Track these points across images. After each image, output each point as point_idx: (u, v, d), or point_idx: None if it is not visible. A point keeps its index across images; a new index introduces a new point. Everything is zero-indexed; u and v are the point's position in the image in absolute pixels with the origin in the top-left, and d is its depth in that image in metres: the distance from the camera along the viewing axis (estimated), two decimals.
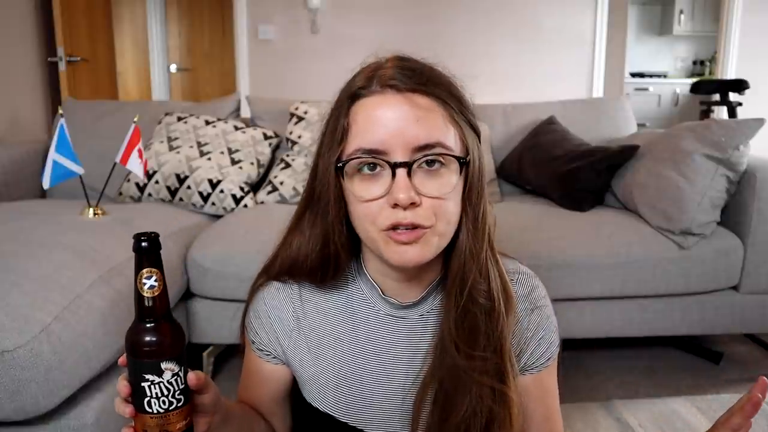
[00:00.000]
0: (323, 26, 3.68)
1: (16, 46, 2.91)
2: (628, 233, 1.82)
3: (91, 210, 1.68)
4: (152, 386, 0.60)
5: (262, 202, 2.14)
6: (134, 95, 4.46)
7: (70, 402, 1.12)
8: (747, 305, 1.85)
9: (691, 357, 2.04)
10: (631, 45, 5.62)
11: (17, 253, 1.24)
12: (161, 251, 0.61)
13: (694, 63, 6.33)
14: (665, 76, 6.18)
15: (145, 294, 0.60)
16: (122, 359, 0.61)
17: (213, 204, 2.09)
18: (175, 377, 0.61)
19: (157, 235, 0.60)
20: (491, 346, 0.69)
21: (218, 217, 2.07)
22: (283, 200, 2.14)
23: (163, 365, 0.60)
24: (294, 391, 0.82)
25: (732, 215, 1.85)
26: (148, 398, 0.60)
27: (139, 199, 2.13)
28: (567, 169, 2.07)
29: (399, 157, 0.62)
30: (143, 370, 0.60)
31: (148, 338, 0.60)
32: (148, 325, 0.61)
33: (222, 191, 2.09)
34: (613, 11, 3.90)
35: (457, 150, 0.65)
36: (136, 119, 1.79)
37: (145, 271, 0.60)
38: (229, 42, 4.14)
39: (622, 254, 1.77)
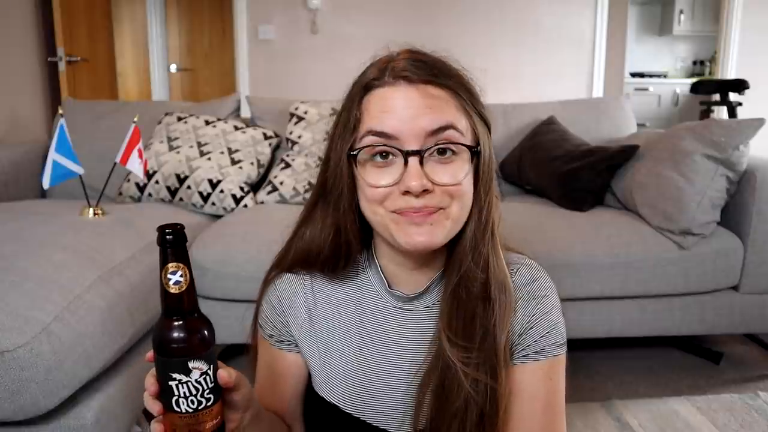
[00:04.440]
0: (323, 26, 3.68)
1: (16, 46, 2.91)
2: (628, 233, 1.82)
3: (91, 210, 1.68)
4: (180, 386, 0.57)
5: (262, 202, 2.14)
6: (134, 95, 4.46)
7: (70, 402, 1.12)
8: (747, 305, 1.85)
9: (691, 357, 2.04)
10: (631, 45, 5.62)
11: (17, 253, 1.24)
12: (186, 244, 0.58)
13: (694, 63, 6.33)
14: (665, 76, 6.18)
15: (171, 290, 0.57)
16: (149, 355, 0.59)
17: (213, 204, 2.09)
18: (204, 376, 0.58)
19: (182, 227, 0.57)
20: (486, 339, 0.69)
21: (218, 217, 2.07)
22: (283, 200, 2.14)
23: (191, 364, 0.57)
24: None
25: (732, 215, 1.85)
26: (176, 397, 0.57)
27: (139, 199, 2.13)
28: (567, 169, 2.07)
29: (412, 145, 0.63)
30: (170, 369, 0.57)
31: (174, 336, 0.58)
32: (174, 323, 0.58)
33: (222, 191, 2.09)
34: (613, 11, 3.90)
35: (468, 139, 0.66)
36: (136, 119, 1.79)
37: (170, 265, 0.57)
38: (229, 42, 4.14)
39: (622, 254, 1.77)
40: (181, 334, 0.58)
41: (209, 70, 4.86)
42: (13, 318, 1.04)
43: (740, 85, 3.33)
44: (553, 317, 0.74)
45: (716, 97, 3.65)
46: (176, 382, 0.57)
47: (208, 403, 0.59)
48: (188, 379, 0.57)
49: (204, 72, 4.89)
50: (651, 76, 6.09)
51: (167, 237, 0.57)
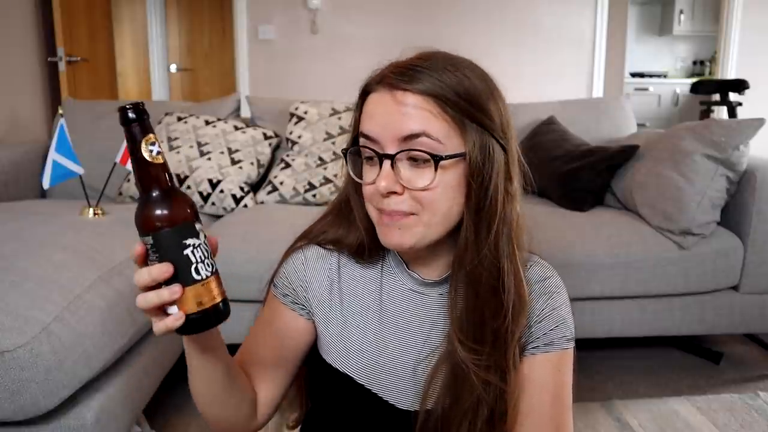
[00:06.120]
0: (323, 26, 3.68)
1: (16, 46, 2.91)
2: (628, 233, 1.82)
3: (91, 210, 1.68)
4: (195, 250, 0.57)
5: (262, 202, 2.14)
6: (134, 95, 4.46)
7: (70, 402, 1.12)
8: (747, 305, 1.85)
9: (691, 357, 2.04)
10: (631, 45, 5.62)
11: (17, 253, 1.24)
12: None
13: (694, 63, 6.33)
14: (665, 76, 6.18)
15: (156, 161, 0.57)
16: (140, 248, 0.58)
17: (213, 204, 2.09)
18: (205, 237, 0.59)
19: (143, 103, 0.57)
20: (497, 342, 0.71)
21: (218, 217, 2.07)
22: (283, 200, 2.14)
23: (197, 225, 0.58)
24: (311, 355, 0.84)
25: (732, 215, 1.85)
26: (195, 264, 0.57)
27: None
28: (567, 169, 2.07)
29: (390, 149, 0.67)
30: (183, 237, 0.57)
31: (177, 202, 0.58)
32: (170, 191, 0.58)
33: (222, 191, 2.09)
34: (613, 11, 3.90)
35: (448, 146, 0.66)
36: None
37: (149, 137, 0.57)
38: (229, 42, 4.14)
39: (622, 254, 1.77)
40: (182, 199, 0.58)
41: (209, 70, 4.86)
42: (13, 318, 1.04)
43: (740, 85, 3.33)
44: (562, 312, 0.77)
45: (716, 97, 3.65)
46: (191, 248, 0.57)
47: (216, 266, 0.60)
48: (199, 241, 0.58)
49: (204, 72, 4.89)
50: (651, 76, 6.09)
51: (133, 113, 0.56)
